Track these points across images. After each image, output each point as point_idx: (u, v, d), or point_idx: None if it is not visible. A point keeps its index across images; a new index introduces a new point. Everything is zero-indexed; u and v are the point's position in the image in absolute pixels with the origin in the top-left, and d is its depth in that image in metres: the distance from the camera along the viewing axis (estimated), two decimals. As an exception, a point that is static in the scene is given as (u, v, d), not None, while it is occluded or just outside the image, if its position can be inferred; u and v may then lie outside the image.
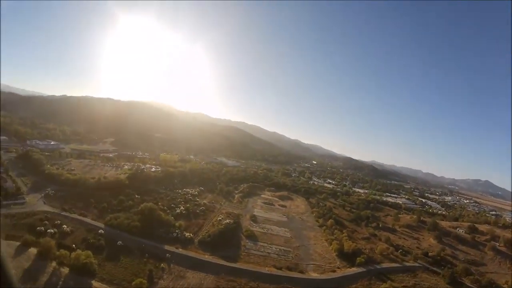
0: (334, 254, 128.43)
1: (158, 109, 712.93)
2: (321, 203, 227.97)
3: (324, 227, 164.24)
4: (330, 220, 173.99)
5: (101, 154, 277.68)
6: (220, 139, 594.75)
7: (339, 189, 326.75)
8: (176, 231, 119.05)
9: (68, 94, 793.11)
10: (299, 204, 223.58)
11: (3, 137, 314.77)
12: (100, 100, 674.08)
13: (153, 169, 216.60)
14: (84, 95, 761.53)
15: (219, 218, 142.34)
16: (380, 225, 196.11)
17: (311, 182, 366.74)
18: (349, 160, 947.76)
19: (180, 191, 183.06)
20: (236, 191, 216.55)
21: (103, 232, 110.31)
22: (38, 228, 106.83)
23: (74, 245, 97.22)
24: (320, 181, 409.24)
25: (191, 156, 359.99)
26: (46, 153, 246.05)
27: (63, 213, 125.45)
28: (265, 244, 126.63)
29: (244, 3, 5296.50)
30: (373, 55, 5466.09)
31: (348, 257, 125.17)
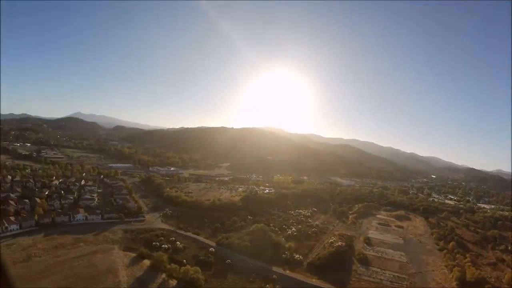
0: (455, 283, 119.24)
1: (270, 133, 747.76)
2: (441, 223, 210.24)
3: (445, 251, 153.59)
4: (452, 243, 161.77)
5: (217, 178, 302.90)
6: (333, 158, 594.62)
7: (461, 206, 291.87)
8: (286, 252, 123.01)
9: (185, 126, 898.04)
10: (417, 225, 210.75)
11: (128, 165, 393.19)
12: (215, 129, 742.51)
13: (266, 191, 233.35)
14: (199, 126, 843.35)
15: (331, 240, 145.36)
16: (510, 248, 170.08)
17: (430, 199, 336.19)
18: (472, 171, 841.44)
19: (292, 212, 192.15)
20: (350, 212, 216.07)
21: (213, 250, 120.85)
22: (153, 243, 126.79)
23: (184, 261, 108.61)
24: (440, 197, 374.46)
25: (305, 177, 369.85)
26: (166, 178, 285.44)
27: (178, 231, 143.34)
28: (378, 270, 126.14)
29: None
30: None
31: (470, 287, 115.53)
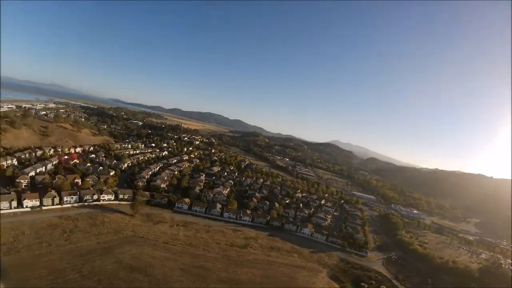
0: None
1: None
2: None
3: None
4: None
5: (460, 234, 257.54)
6: None
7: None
8: None
9: (440, 168, 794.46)
10: None
11: (371, 197, 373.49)
12: (471, 176, 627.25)
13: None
14: (455, 170, 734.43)
15: None
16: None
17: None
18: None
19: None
20: None
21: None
22: (362, 283, 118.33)
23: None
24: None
25: None
26: (405, 220, 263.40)
27: (394, 281, 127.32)
28: None
29: None
30: None
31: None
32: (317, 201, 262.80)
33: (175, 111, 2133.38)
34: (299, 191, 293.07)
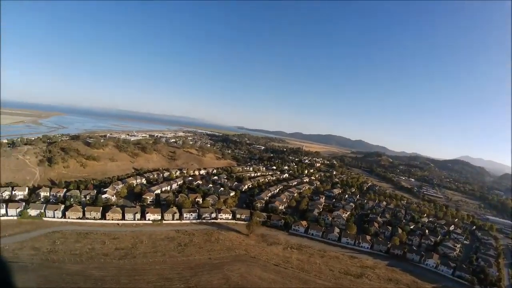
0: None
1: None
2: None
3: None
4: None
5: None
6: None
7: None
8: None
9: None
10: None
11: (507, 221, 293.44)
12: None
13: None
14: None
15: None
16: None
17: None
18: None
19: None
20: None
21: None
22: None
23: None
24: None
25: None
26: None
27: None
28: None
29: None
30: None
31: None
32: (445, 227, 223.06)
33: (296, 135, 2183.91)
34: (425, 215, 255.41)
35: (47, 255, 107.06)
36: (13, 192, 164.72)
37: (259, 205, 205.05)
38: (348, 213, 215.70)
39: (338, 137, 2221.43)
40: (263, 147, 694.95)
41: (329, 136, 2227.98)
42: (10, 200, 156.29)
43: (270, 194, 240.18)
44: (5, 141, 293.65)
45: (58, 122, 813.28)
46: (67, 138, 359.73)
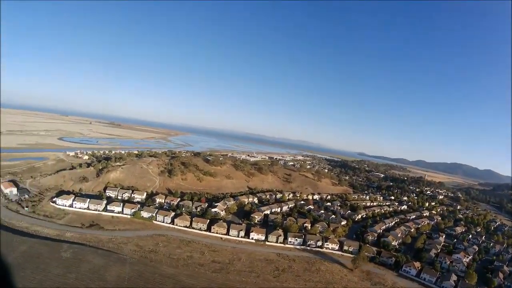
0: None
1: None
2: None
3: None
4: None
5: None
6: None
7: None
8: None
9: None
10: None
11: None
12: None
13: None
14: None
15: None
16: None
17: None
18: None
19: None
20: None
21: None
22: None
23: None
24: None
25: None
26: None
27: None
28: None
29: None
30: None
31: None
32: None
33: (419, 163, 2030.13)
34: None
35: (147, 253, 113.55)
36: (133, 195, 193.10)
37: (370, 237, 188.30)
38: (470, 257, 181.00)
39: (465, 166, 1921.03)
40: (382, 175, 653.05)
41: (455, 165, 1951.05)
42: (128, 201, 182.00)
43: (384, 226, 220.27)
44: (135, 152, 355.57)
45: (186, 140, 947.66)
46: (188, 154, 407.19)
